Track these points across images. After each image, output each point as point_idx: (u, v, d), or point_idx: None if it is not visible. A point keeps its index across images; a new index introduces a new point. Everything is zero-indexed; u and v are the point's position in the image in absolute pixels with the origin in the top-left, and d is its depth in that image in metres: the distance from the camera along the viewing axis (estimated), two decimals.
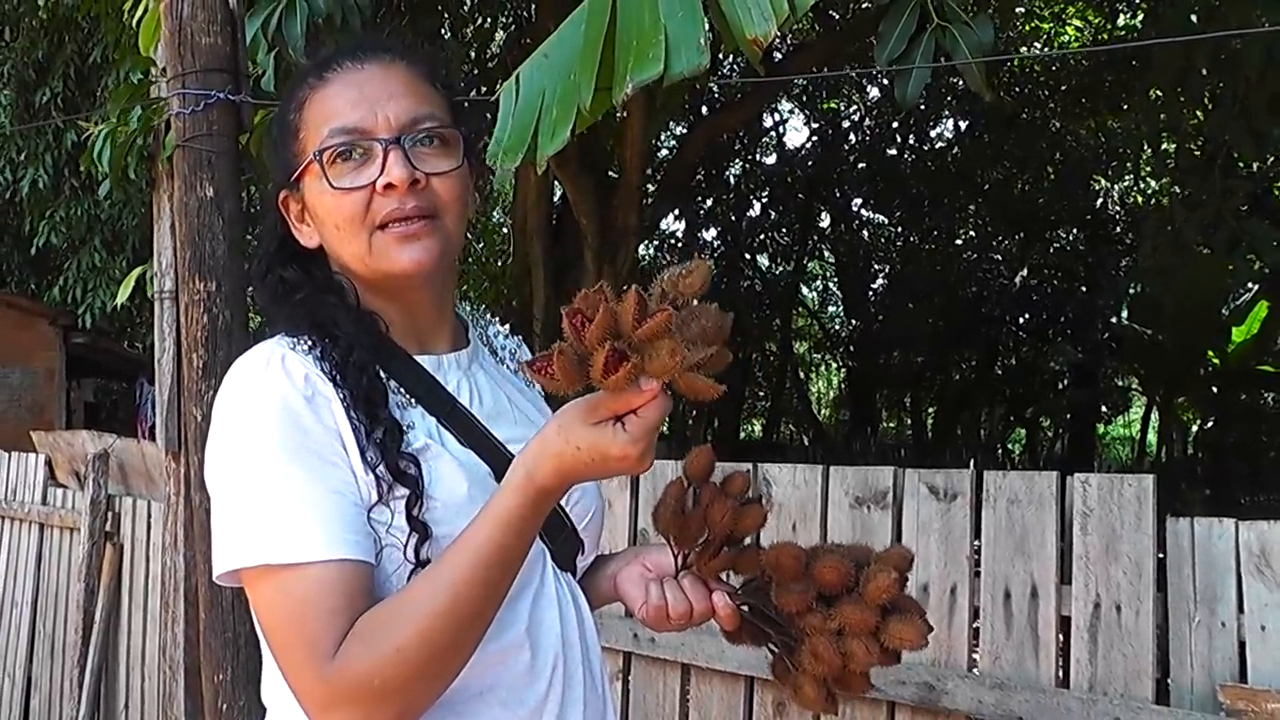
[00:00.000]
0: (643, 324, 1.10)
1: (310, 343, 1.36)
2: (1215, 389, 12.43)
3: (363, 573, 1.26)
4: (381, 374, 1.38)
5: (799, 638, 1.30)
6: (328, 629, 1.22)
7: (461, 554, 1.22)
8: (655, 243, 18.86)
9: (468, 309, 1.61)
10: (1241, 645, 2.38)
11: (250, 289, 3.18)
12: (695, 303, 1.14)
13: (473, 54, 11.56)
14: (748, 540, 1.35)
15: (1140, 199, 16.58)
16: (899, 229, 18.93)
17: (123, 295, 4.16)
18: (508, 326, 1.67)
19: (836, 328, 21.82)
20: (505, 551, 1.22)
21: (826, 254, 20.48)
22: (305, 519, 1.24)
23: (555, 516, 1.43)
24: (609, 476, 1.22)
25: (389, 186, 1.35)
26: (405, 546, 1.29)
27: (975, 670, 2.70)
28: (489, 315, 1.65)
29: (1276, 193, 10.72)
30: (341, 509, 1.26)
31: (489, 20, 11.74)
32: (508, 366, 1.59)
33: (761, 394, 21.41)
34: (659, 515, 1.35)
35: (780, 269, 19.76)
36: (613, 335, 1.11)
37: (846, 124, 18.31)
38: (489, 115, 2.63)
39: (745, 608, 1.33)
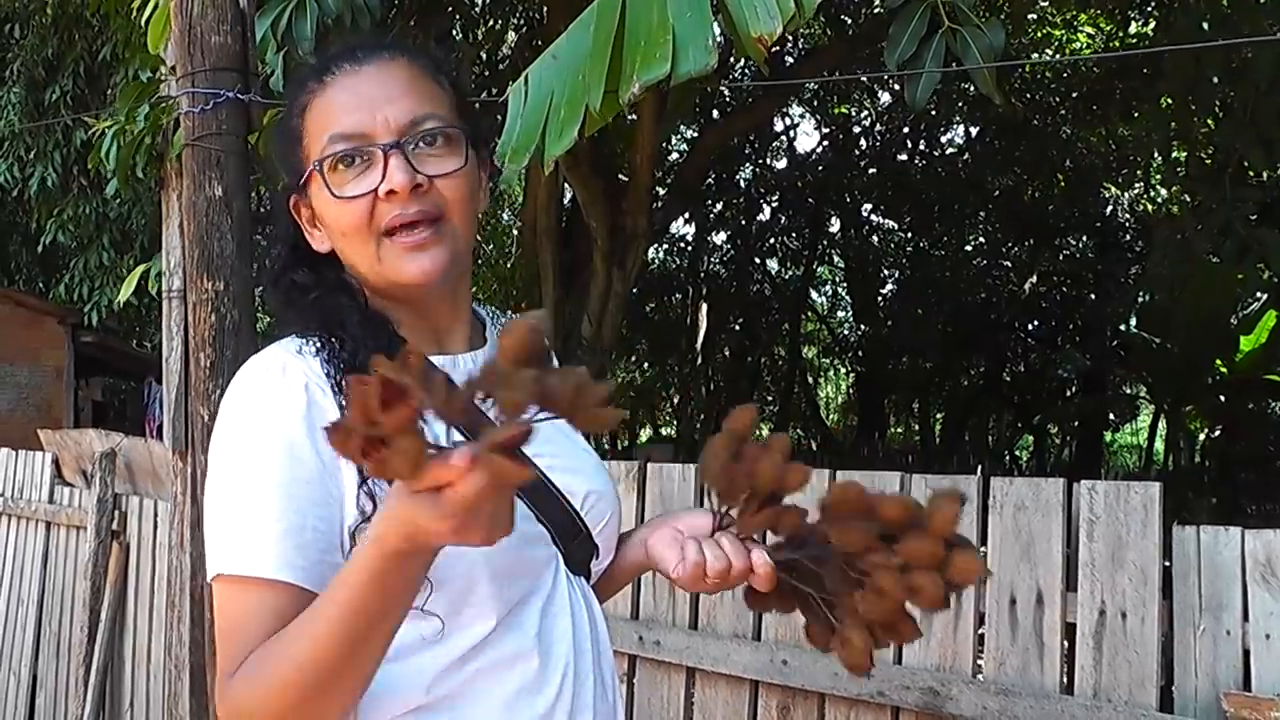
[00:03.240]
0: (388, 415, 0.97)
1: (319, 344, 1.35)
2: (1223, 398, 12.41)
3: (303, 600, 1.23)
4: None
5: (856, 580, 1.21)
6: (244, 650, 1.22)
7: (325, 605, 1.16)
8: (665, 246, 18.88)
9: (487, 308, 1.59)
10: (1246, 653, 2.37)
11: (260, 289, 3.18)
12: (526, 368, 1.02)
13: (484, 56, 11.58)
14: (787, 500, 1.28)
15: (1150, 207, 16.54)
16: (908, 235, 18.91)
17: (124, 294, 4.16)
18: None
19: (845, 333, 21.79)
20: (364, 608, 1.14)
21: (836, 259, 20.46)
22: (263, 536, 1.24)
23: (569, 521, 1.42)
24: (446, 545, 1.10)
25: (391, 193, 1.33)
26: None
27: (980, 676, 2.70)
28: (509, 314, 1.63)
29: None
30: (300, 533, 1.25)
31: (500, 22, 11.75)
32: None
33: (770, 398, 21.35)
34: (707, 467, 1.26)
35: (790, 273, 19.76)
36: (370, 421, 0.98)
37: (857, 129, 18.32)
38: (499, 116, 2.63)
39: (783, 567, 1.26)
